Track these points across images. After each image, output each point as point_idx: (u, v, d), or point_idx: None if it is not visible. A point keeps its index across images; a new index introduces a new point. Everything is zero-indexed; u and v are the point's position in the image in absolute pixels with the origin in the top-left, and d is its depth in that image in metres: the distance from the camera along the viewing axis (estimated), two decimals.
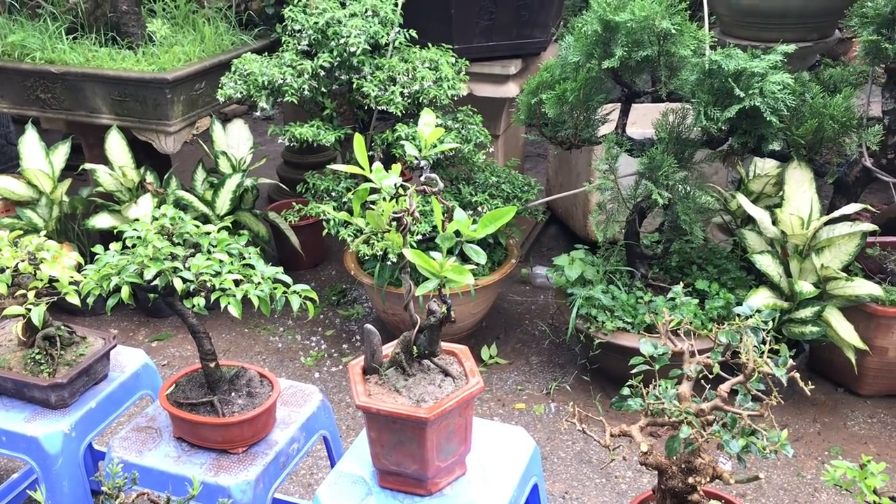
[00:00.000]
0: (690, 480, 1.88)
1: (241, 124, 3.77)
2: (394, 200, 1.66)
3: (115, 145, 3.45)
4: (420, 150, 1.65)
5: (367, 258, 3.19)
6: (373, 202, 1.67)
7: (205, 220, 3.35)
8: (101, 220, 3.44)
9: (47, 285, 2.06)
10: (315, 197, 3.22)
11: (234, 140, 3.72)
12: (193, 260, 1.81)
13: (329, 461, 2.28)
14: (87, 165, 3.50)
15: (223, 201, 3.49)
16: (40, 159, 3.50)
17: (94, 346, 2.18)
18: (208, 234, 1.90)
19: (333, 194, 3.19)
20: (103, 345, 2.19)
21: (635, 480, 2.73)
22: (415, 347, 1.78)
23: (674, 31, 2.69)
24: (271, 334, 3.62)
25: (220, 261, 1.84)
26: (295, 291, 1.86)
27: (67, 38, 3.59)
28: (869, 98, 3.04)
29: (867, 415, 2.99)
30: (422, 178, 1.63)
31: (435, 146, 1.66)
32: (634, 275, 3.11)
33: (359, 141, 1.66)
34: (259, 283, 1.83)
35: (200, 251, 1.87)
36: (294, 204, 3.31)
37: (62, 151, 3.56)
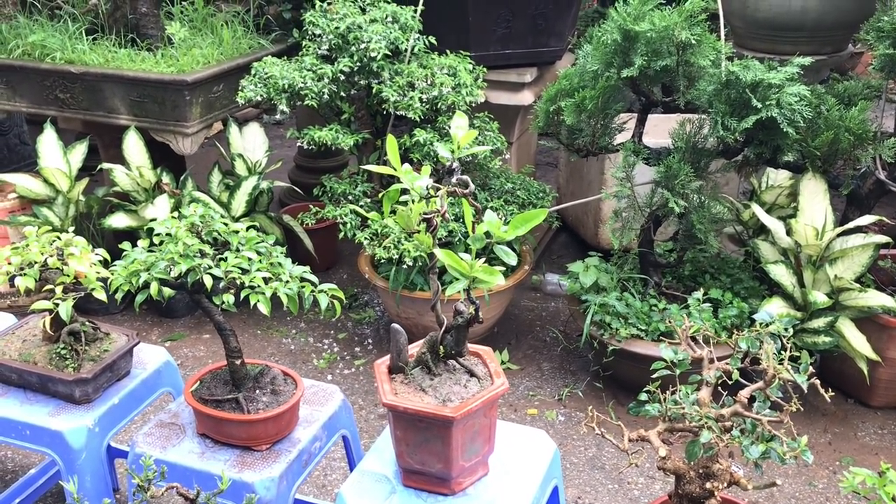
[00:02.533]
0: (708, 486, 1.90)
1: (256, 127, 3.80)
2: (423, 202, 1.68)
3: (133, 146, 3.48)
4: (452, 152, 1.67)
5: (381, 262, 3.22)
6: (402, 203, 1.70)
7: None
8: (118, 220, 3.46)
9: (73, 281, 2.08)
10: (332, 200, 3.24)
11: (251, 143, 3.74)
12: (225, 257, 1.83)
13: (347, 461, 2.29)
14: (105, 165, 3.53)
15: (239, 203, 3.51)
16: (58, 158, 3.52)
17: (118, 343, 2.20)
18: (237, 232, 1.92)
19: (350, 198, 3.21)
20: (127, 341, 2.21)
21: (648, 487, 2.74)
22: (441, 347, 1.80)
23: (693, 42, 2.72)
24: (284, 336, 3.64)
25: (249, 259, 1.86)
26: (322, 290, 1.88)
27: (87, 39, 3.62)
28: (883, 112, 3.07)
29: (878, 426, 3.01)
30: (453, 180, 1.65)
31: (467, 147, 1.69)
32: (648, 283, 3.14)
33: (391, 142, 1.68)
34: (287, 281, 1.85)
35: (229, 249, 1.89)
36: (311, 207, 3.33)
37: (80, 151, 3.59)
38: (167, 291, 1.91)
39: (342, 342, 3.60)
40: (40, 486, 2.59)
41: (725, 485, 1.89)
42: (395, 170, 1.66)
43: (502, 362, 3.39)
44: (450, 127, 1.73)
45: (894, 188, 2.95)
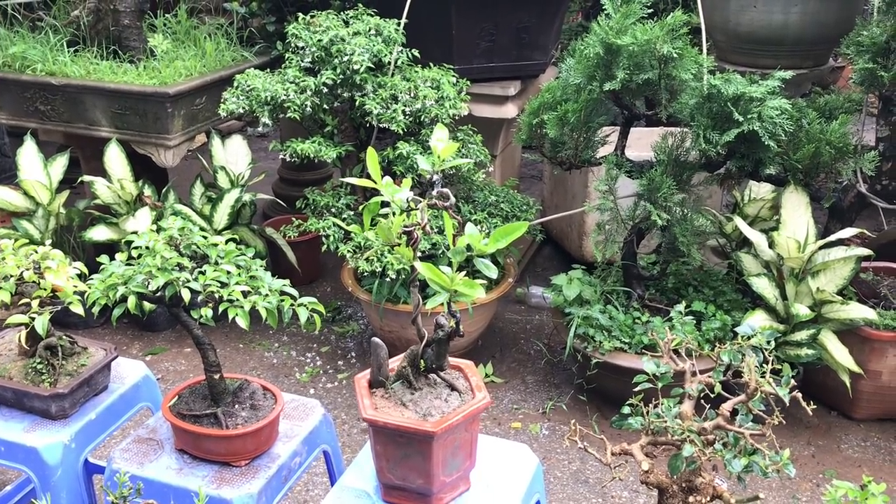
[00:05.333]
0: (691, 500, 1.89)
1: (239, 140, 3.79)
2: (404, 214, 1.67)
3: (114, 158, 3.45)
4: (433, 165, 1.66)
5: (365, 274, 3.20)
6: (382, 216, 1.69)
7: None
8: (98, 233, 3.43)
9: (50, 295, 2.05)
10: (315, 213, 3.23)
11: (233, 155, 3.73)
12: (204, 270, 1.81)
13: (329, 476, 2.27)
14: (86, 178, 3.50)
15: (221, 216, 3.49)
16: (38, 171, 3.49)
17: (96, 357, 2.17)
18: (216, 245, 1.90)
19: (333, 210, 3.20)
20: (104, 356, 2.17)
21: (631, 501, 2.73)
22: (422, 361, 1.79)
23: (675, 55, 2.73)
24: (266, 350, 3.61)
25: (228, 272, 1.84)
26: (302, 304, 1.86)
27: (69, 51, 3.60)
28: (863, 125, 3.09)
29: (860, 438, 3.01)
30: (434, 192, 1.64)
31: (446, 161, 1.68)
32: (631, 295, 3.13)
33: (372, 155, 1.67)
34: (266, 294, 1.83)
35: (208, 262, 1.87)
36: (294, 219, 3.32)
37: (60, 163, 3.56)
38: (147, 305, 1.89)
39: (325, 355, 3.58)
40: (17, 503, 2.56)
41: (708, 498, 1.89)
42: (375, 182, 1.65)
43: (486, 375, 3.37)
44: None
45: (875, 201, 2.97)
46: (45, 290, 2.02)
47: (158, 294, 1.83)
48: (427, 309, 1.68)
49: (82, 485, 2.09)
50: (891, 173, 2.96)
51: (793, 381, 1.84)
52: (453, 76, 3.28)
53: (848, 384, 2.83)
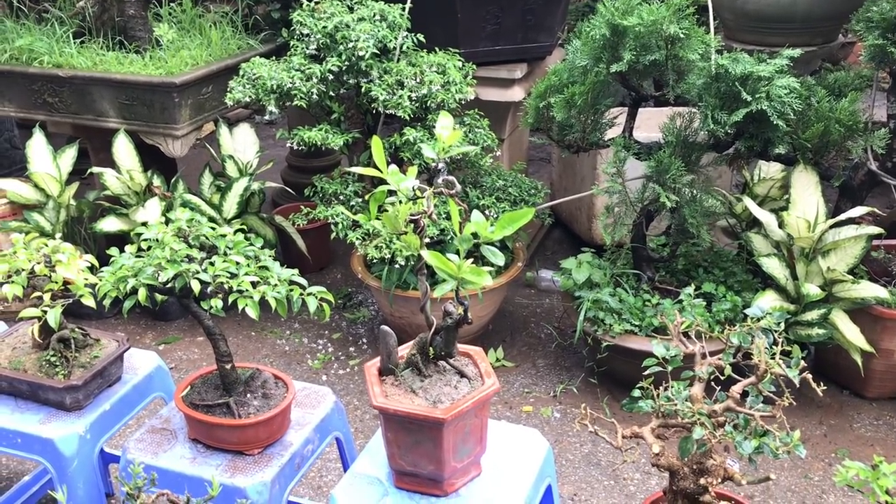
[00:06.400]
0: (702, 481, 1.90)
1: (247, 128, 3.79)
2: (410, 202, 1.67)
3: (123, 149, 3.46)
4: (438, 153, 1.66)
5: (374, 261, 3.21)
6: (389, 204, 1.69)
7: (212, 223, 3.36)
8: (109, 224, 3.45)
9: (62, 287, 2.07)
10: (323, 200, 3.23)
11: (241, 144, 3.73)
12: (213, 261, 1.82)
13: (341, 462, 2.29)
14: (95, 169, 3.51)
15: (230, 205, 3.50)
16: (48, 163, 3.50)
17: (108, 349, 2.19)
18: (224, 236, 1.91)
19: (342, 197, 3.20)
20: (117, 347, 2.19)
21: (643, 483, 2.74)
22: (431, 349, 1.79)
23: (682, 36, 2.71)
24: (278, 337, 3.63)
25: (237, 263, 1.85)
26: (311, 293, 1.87)
27: (75, 43, 3.60)
28: (873, 102, 3.06)
29: (873, 417, 3.01)
30: (439, 180, 1.64)
31: (451, 148, 1.67)
32: (641, 278, 3.13)
33: (377, 143, 1.67)
34: (275, 284, 1.84)
35: (217, 253, 1.88)
36: (302, 207, 3.32)
37: (69, 155, 3.57)
38: (159, 296, 1.90)
39: (337, 342, 3.59)
40: (35, 493, 2.59)
41: (719, 480, 1.89)
42: (380, 171, 1.65)
43: (497, 359, 3.38)
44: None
45: (886, 179, 2.95)
46: (56, 283, 2.04)
47: (168, 286, 1.85)
48: (435, 296, 1.69)
49: (98, 475, 2.11)
50: None
51: (803, 362, 1.84)
52: (459, 60, 3.26)
53: (860, 363, 2.83)
